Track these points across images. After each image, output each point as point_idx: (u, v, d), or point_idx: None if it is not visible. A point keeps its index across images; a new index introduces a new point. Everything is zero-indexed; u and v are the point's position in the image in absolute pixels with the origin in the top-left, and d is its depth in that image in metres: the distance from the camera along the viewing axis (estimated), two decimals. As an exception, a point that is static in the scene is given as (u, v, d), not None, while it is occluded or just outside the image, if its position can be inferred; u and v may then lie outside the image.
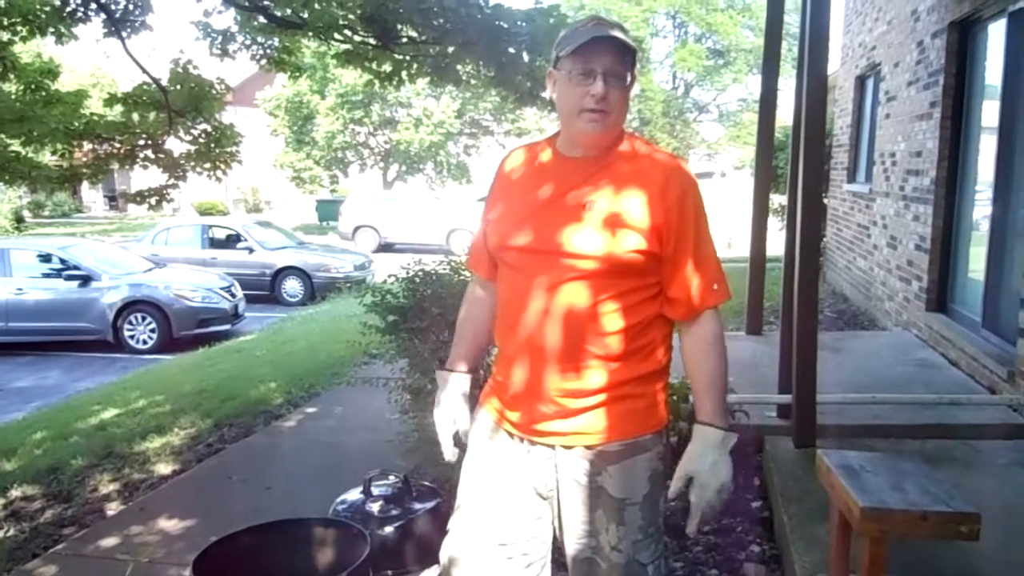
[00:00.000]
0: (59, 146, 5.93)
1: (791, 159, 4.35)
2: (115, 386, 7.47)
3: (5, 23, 5.36)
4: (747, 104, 35.01)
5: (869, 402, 4.08)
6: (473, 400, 1.98)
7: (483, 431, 1.87)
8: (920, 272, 5.82)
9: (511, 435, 1.81)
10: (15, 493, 4.42)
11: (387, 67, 6.04)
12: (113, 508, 4.10)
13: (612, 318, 1.69)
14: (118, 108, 6.28)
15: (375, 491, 2.98)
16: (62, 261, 10.42)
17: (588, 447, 1.73)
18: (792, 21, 17.55)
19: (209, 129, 6.41)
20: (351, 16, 5.58)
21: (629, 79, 1.70)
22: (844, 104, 9.45)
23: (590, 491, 1.74)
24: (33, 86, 5.97)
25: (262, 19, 5.80)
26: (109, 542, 3.59)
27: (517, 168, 1.87)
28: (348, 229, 21.08)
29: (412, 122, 27.01)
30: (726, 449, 1.71)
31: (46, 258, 10.58)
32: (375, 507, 2.89)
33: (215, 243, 14.15)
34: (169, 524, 3.74)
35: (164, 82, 5.95)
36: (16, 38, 5.65)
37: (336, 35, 5.72)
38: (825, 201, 9.79)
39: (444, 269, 3.73)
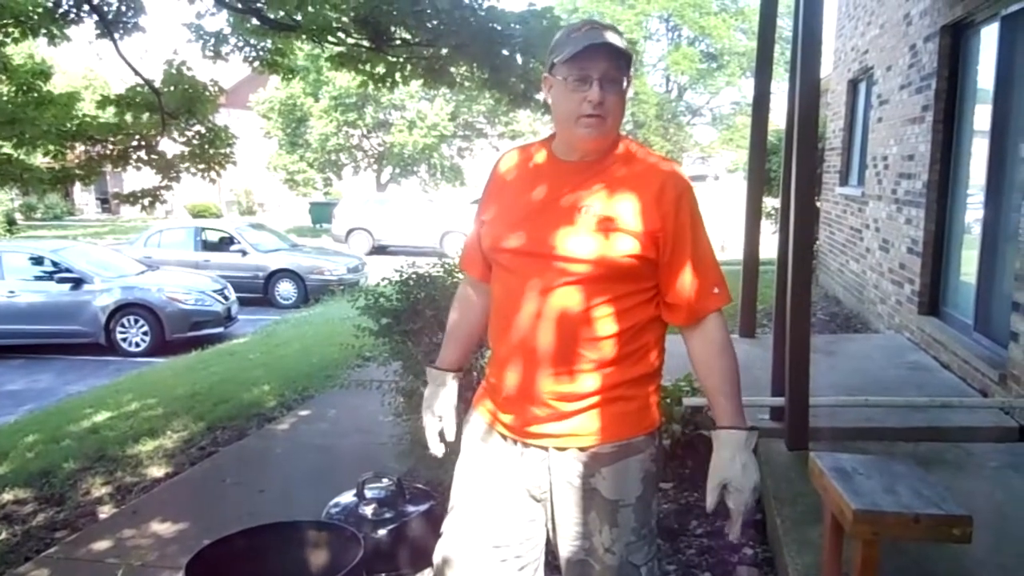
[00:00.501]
0: (51, 148, 5.90)
1: (784, 162, 4.36)
2: (107, 389, 7.44)
3: (-3, 25, 5.34)
4: (740, 107, 35.16)
5: (862, 405, 4.09)
6: (466, 402, 1.98)
7: (476, 433, 1.87)
8: (912, 275, 5.85)
9: (504, 437, 1.81)
10: (7, 497, 4.40)
11: (381, 69, 6.03)
12: (105, 511, 4.08)
13: (606, 322, 1.70)
14: (111, 110, 6.26)
15: (368, 494, 2.97)
16: (54, 264, 10.38)
17: (581, 449, 1.73)
18: (785, 25, 17.60)
19: (203, 131, 6.39)
20: (344, 18, 5.57)
21: (625, 83, 1.70)
22: (837, 107, 9.48)
23: (583, 493, 1.74)
24: (25, 88, 5.94)
25: (255, 21, 5.78)
26: (101, 545, 3.58)
27: (512, 170, 1.87)
28: (341, 231, 21.07)
29: (406, 124, 27.02)
30: (749, 449, 1.70)
31: (38, 261, 10.53)
32: (368, 510, 2.89)
33: (208, 245, 14.12)
34: (162, 527, 3.72)
35: (157, 84, 5.93)
36: (8, 39, 5.63)
37: (329, 37, 5.71)
38: (818, 204, 9.82)
39: (437, 271, 3.73)
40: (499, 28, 5.23)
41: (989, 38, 4.92)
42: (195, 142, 6.37)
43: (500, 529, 1.80)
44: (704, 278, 1.73)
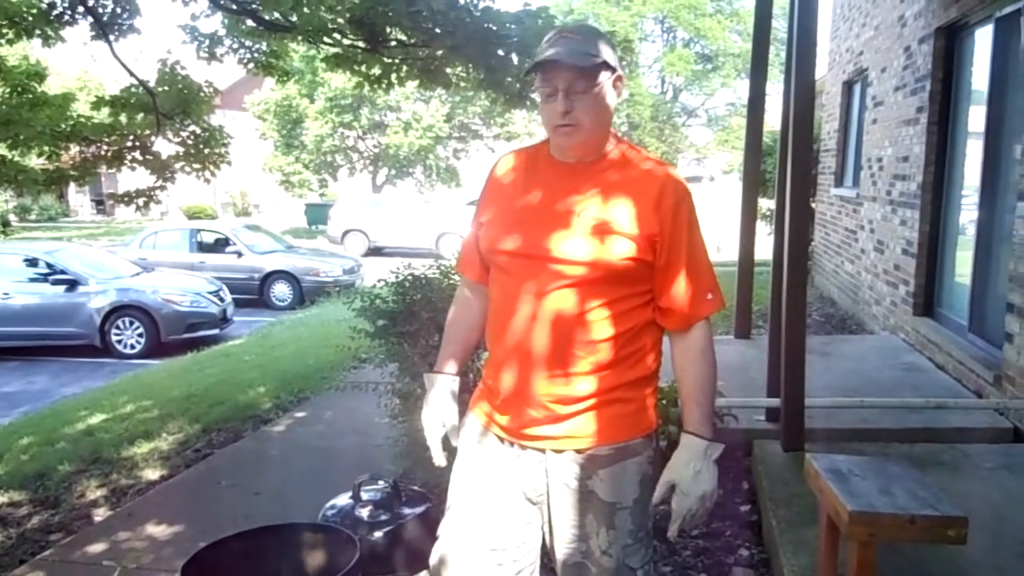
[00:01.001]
0: (46, 149, 5.88)
1: (779, 163, 4.37)
2: (103, 391, 7.41)
3: (-8, 26, 5.33)
4: (735, 108, 35.22)
5: (857, 406, 4.10)
6: (463, 404, 1.97)
7: (473, 435, 1.87)
8: (907, 276, 5.86)
9: (501, 439, 1.81)
10: (1, 499, 4.38)
11: (376, 70, 6.03)
12: (101, 514, 4.07)
13: (602, 325, 1.70)
14: (105, 110, 6.25)
15: (365, 496, 2.97)
16: (49, 265, 10.34)
17: (578, 451, 1.73)
18: (780, 26, 17.67)
19: (198, 131, 6.38)
20: (340, 19, 5.56)
21: (598, 88, 1.68)
22: (831, 109, 9.51)
23: (580, 495, 1.74)
24: (19, 89, 5.92)
25: (250, 22, 5.77)
26: (97, 548, 3.57)
27: (509, 172, 1.87)
28: (337, 233, 21.03)
29: (401, 126, 27.00)
30: (710, 458, 1.71)
31: (32, 262, 10.49)
32: (365, 512, 2.89)
33: (203, 247, 14.09)
34: (157, 530, 3.71)
35: (152, 84, 5.92)
36: (2, 41, 5.61)
37: (325, 38, 5.69)
38: (813, 205, 9.85)
39: (434, 273, 3.73)
40: (495, 28, 5.23)
41: (983, 40, 4.94)
42: (190, 142, 6.36)
43: (497, 532, 1.80)
44: (698, 284, 1.73)
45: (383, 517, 2.87)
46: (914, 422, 3.98)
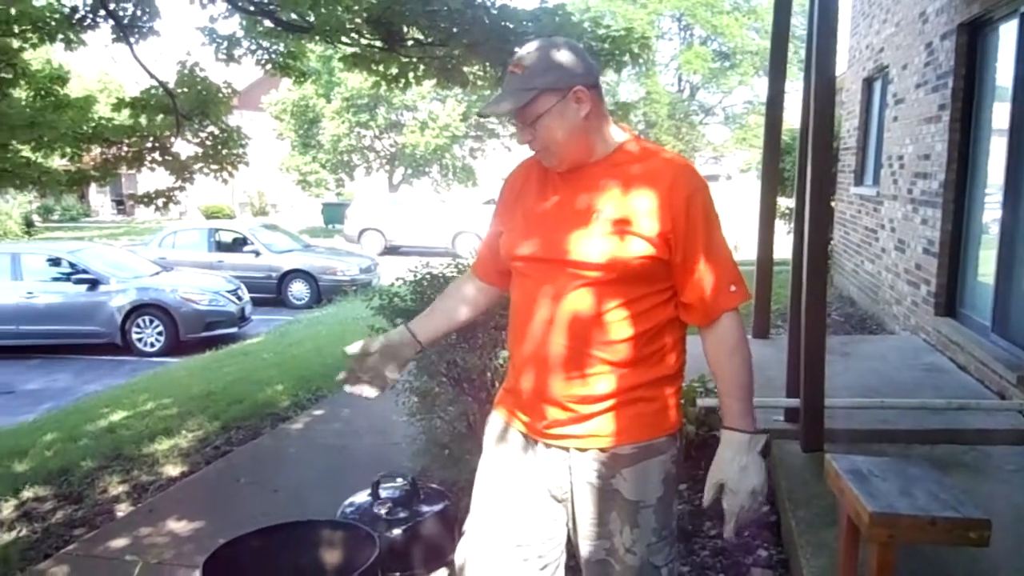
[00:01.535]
0: (68, 150, 5.96)
1: (799, 161, 4.34)
2: (123, 389, 7.50)
3: (16, 31, 5.39)
4: (753, 106, 34.99)
5: (877, 406, 4.06)
6: (479, 402, 1.98)
7: (497, 434, 1.88)
8: (928, 276, 5.80)
9: (525, 438, 1.82)
10: (27, 494, 4.45)
11: (393, 70, 6.05)
12: (122, 509, 4.12)
13: (620, 325, 1.70)
14: (126, 112, 6.31)
15: (383, 493, 2.98)
16: (71, 265, 10.48)
17: (602, 450, 1.74)
18: (798, 23, 17.52)
19: (216, 132, 6.44)
20: (357, 19, 5.58)
21: (548, 113, 1.68)
22: (851, 107, 9.43)
23: (604, 493, 1.74)
24: (43, 92, 6.00)
25: (268, 23, 5.81)
26: (119, 543, 3.61)
27: (524, 178, 1.89)
28: (354, 232, 21.13)
29: (418, 125, 27.07)
30: (755, 451, 1.69)
31: (55, 262, 10.63)
32: (383, 509, 2.90)
33: (221, 246, 14.21)
34: (178, 525, 3.75)
35: (171, 86, 5.98)
36: (26, 45, 5.68)
37: (343, 38, 5.72)
38: (832, 204, 9.77)
39: (451, 272, 3.74)
40: (511, 26, 5.22)
41: (1008, 35, 4.88)
42: (208, 143, 6.42)
43: (522, 529, 1.81)
44: (719, 276, 1.71)
45: (401, 514, 2.88)
46: (935, 423, 3.94)
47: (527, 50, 1.76)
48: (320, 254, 14.85)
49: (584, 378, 1.71)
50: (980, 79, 5.33)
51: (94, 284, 10.29)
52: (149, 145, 6.25)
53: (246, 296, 11.31)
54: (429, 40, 5.67)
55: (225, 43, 5.93)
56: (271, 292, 13.46)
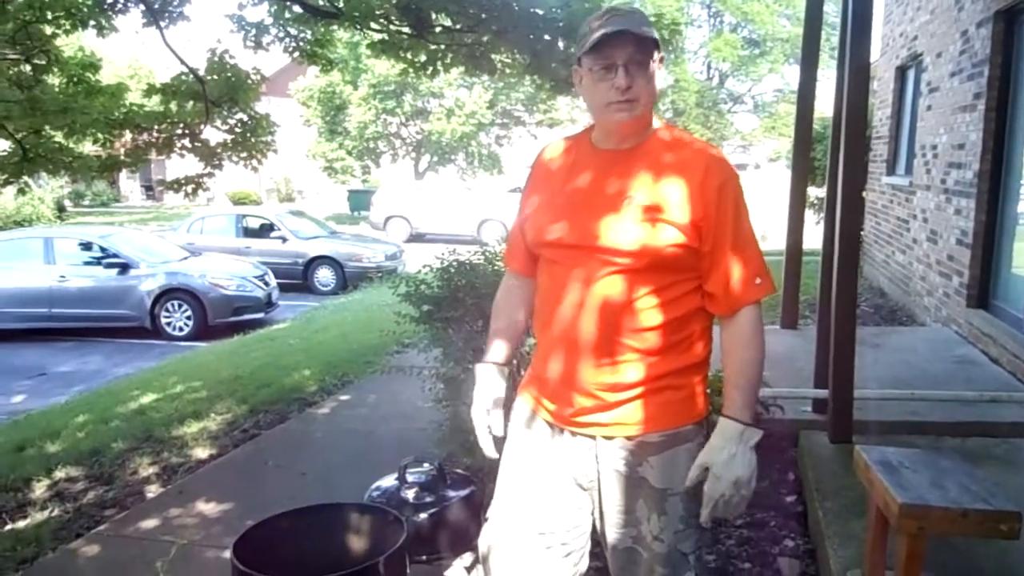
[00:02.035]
0: (100, 136, 6.03)
1: (831, 150, 4.29)
2: (153, 372, 7.61)
3: (49, 17, 5.45)
4: (783, 95, 34.53)
5: (907, 398, 4.02)
6: (511, 394, 1.98)
7: (522, 421, 1.88)
8: (961, 267, 5.71)
9: (551, 426, 1.82)
10: (59, 475, 4.53)
11: (422, 57, 6.05)
12: (152, 491, 4.18)
13: (650, 313, 1.69)
14: (156, 98, 6.37)
15: (410, 478, 3.00)
16: (102, 249, 10.62)
17: (628, 438, 1.73)
18: (831, 10, 17.27)
19: (245, 119, 6.47)
20: (386, 5, 5.58)
21: (653, 65, 1.69)
22: (884, 95, 9.29)
23: (632, 481, 1.74)
24: (75, 79, 6.07)
25: (297, 9, 5.83)
26: (149, 524, 3.67)
27: (554, 162, 1.87)
28: (379, 219, 21.19)
29: (444, 112, 27.03)
30: (747, 444, 1.68)
31: (87, 246, 10.79)
32: (410, 494, 2.92)
33: (249, 232, 14.32)
34: (207, 507, 3.81)
35: (201, 72, 6.02)
36: (59, 31, 5.75)
37: (372, 24, 5.73)
38: (864, 194, 9.64)
39: (478, 259, 3.74)
40: (541, 13, 5.21)
41: (1046, 23, 4.78)
42: (237, 130, 6.46)
43: (546, 516, 1.82)
44: (746, 268, 1.71)
45: (428, 499, 2.90)
46: (966, 415, 3.89)
47: (621, 6, 1.74)
48: (346, 241, 14.92)
49: (613, 365, 1.71)
50: (1016, 67, 5.23)
51: (124, 268, 10.43)
52: (179, 131, 6.30)
53: (273, 282, 11.40)
54: (458, 27, 5.66)
55: (254, 30, 5.96)
56: (297, 278, 13.55)
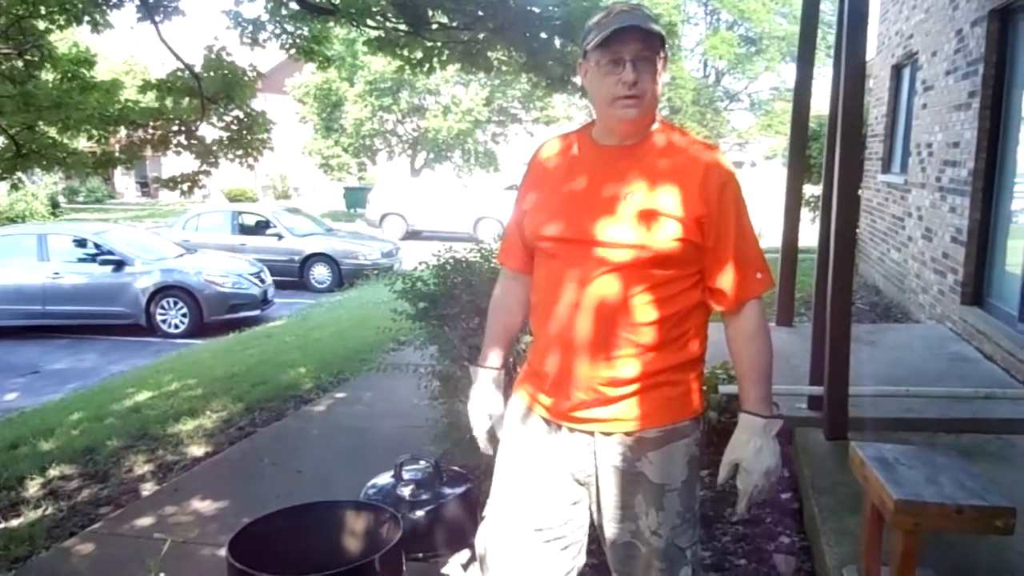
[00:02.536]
0: (95, 132, 6.01)
1: (827, 148, 4.29)
2: (148, 369, 7.59)
3: (43, 12, 5.43)
4: (779, 93, 34.53)
5: (902, 395, 4.02)
6: (507, 391, 1.99)
7: (518, 417, 1.88)
8: (956, 265, 5.73)
9: (548, 421, 1.82)
10: (53, 472, 4.52)
11: (418, 54, 6.04)
12: (148, 488, 4.17)
13: (647, 309, 1.69)
14: (151, 95, 6.35)
15: (406, 475, 3.00)
16: (97, 246, 10.58)
17: (627, 433, 1.74)
18: (827, 9, 17.25)
19: (241, 116, 6.46)
20: (383, 2, 5.58)
21: (659, 63, 1.69)
22: (879, 93, 9.30)
23: (629, 477, 1.75)
24: (69, 75, 6.05)
25: (293, 6, 5.81)
26: (144, 521, 3.67)
27: (552, 158, 1.87)
28: (376, 216, 21.16)
29: (440, 110, 27.00)
30: (769, 435, 1.73)
31: (81, 243, 10.75)
32: (406, 491, 2.91)
33: (245, 229, 14.29)
34: (203, 505, 3.80)
35: (197, 69, 6.00)
36: (53, 27, 5.72)
37: (368, 21, 5.72)
38: (859, 192, 9.65)
39: (474, 257, 3.74)
40: (537, 11, 5.21)
41: (1041, 21, 4.79)
42: (233, 127, 6.44)
43: (543, 511, 1.82)
44: (747, 264, 1.73)
45: (424, 496, 2.90)
46: (961, 412, 3.90)
47: (629, 3, 1.73)
48: (342, 238, 14.89)
49: (610, 361, 1.71)
50: (1011, 66, 5.24)
51: (119, 265, 10.39)
52: (175, 128, 6.29)
53: (269, 279, 11.38)
54: (454, 24, 5.66)
55: (250, 26, 5.95)
56: (293, 275, 13.53)
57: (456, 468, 3.21)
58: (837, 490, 3.10)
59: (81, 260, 10.56)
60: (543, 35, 5.25)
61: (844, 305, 3.62)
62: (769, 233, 9.64)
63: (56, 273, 10.30)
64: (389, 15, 5.75)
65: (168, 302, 10.28)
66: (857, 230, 9.32)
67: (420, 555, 2.83)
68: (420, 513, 2.84)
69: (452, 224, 19.70)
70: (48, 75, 6.08)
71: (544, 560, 1.83)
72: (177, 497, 3.92)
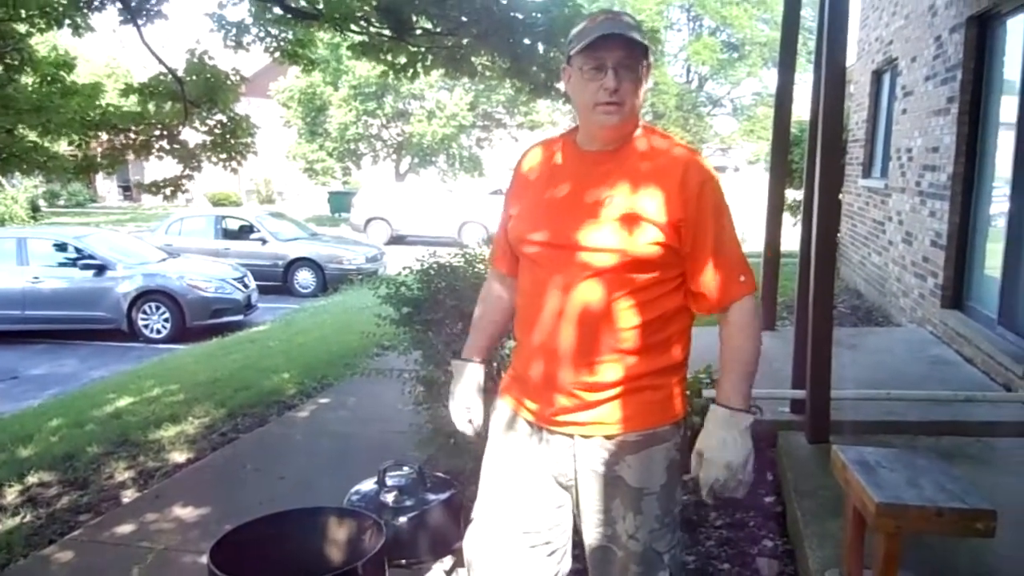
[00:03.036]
0: (75, 137, 5.96)
1: (808, 153, 4.32)
2: (130, 375, 7.52)
3: (23, 15, 5.38)
4: (761, 98, 34.84)
5: (883, 398, 4.06)
6: (490, 393, 1.99)
7: (502, 422, 1.89)
8: (936, 268, 5.79)
9: (530, 425, 1.83)
10: (32, 479, 4.46)
11: (402, 59, 6.03)
12: (128, 495, 4.13)
13: (629, 313, 1.70)
14: (134, 98, 6.31)
15: (390, 481, 2.98)
16: (77, 250, 10.48)
17: (607, 437, 1.74)
18: (808, 15, 17.43)
19: (224, 120, 6.42)
20: (367, 7, 5.57)
21: (641, 70, 1.70)
22: (860, 99, 9.39)
23: (608, 480, 1.75)
24: (49, 78, 5.99)
25: (277, 10, 5.79)
26: (125, 529, 3.63)
27: (535, 164, 1.88)
28: (360, 221, 21.11)
29: (425, 114, 26.99)
30: (737, 428, 1.71)
31: (62, 247, 10.64)
32: (390, 497, 2.90)
33: (228, 234, 14.21)
34: (184, 512, 3.77)
35: (180, 72, 5.97)
36: (33, 30, 5.66)
37: (352, 26, 5.70)
38: (840, 197, 9.73)
39: (458, 261, 3.74)
40: (521, 17, 5.22)
41: (1016, 29, 4.86)
42: (216, 132, 6.40)
43: (529, 515, 1.83)
44: (729, 267, 1.73)
45: (408, 503, 2.89)
46: (941, 415, 3.94)
47: (614, 11, 1.76)
48: (326, 243, 14.84)
49: (593, 365, 1.72)
50: (988, 72, 5.31)
51: (100, 270, 10.30)
52: (157, 133, 6.24)
53: (252, 284, 11.32)
54: (438, 30, 5.66)
55: (234, 30, 5.92)
56: (277, 280, 13.46)
57: (440, 474, 3.20)
58: (820, 493, 3.11)
59: (62, 264, 10.46)
60: (526, 41, 5.27)
61: (826, 309, 3.65)
62: (752, 237, 9.70)
63: (36, 278, 10.19)
64: (373, 20, 5.74)
65: (150, 307, 10.21)
66: (838, 234, 9.40)
67: (403, 562, 2.81)
68: (403, 519, 2.82)
69: (437, 229, 19.68)
70: (28, 78, 6.01)
71: (530, 563, 1.83)
72: (158, 504, 3.88)
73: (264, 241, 13.83)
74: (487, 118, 28.92)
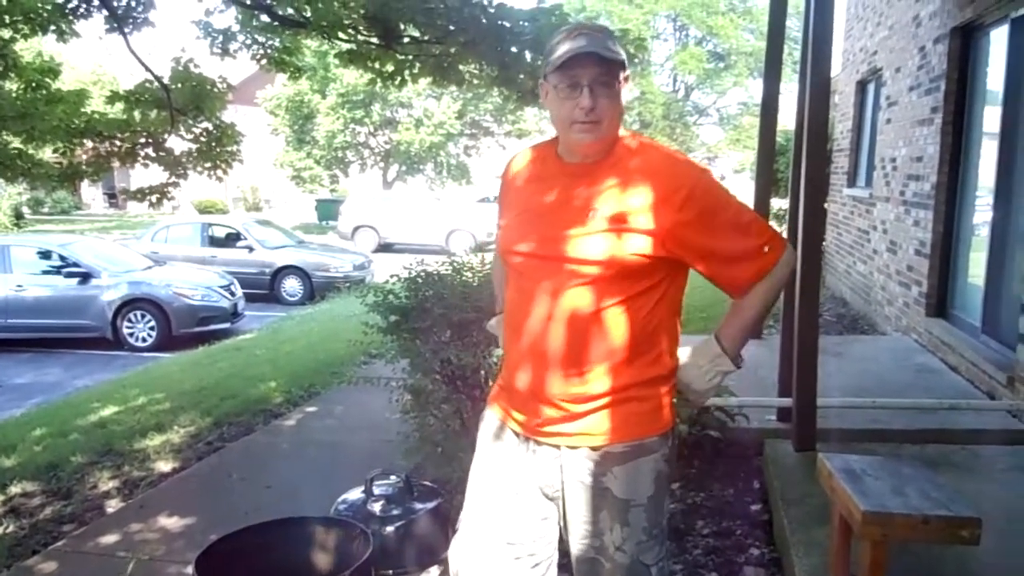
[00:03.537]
0: (60, 144, 5.92)
1: (793, 162, 4.35)
2: (115, 384, 7.46)
3: (7, 21, 5.35)
4: (747, 108, 35.04)
5: (869, 406, 4.08)
6: (473, 400, 1.99)
7: (490, 432, 1.88)
8: (920, 277, 5.83)
9: (517, 435, 1.82)
10: (15, 490, 4.42)
11: (390, 67, 6.03)
12: (113, 505, 4.10)
13: (617, 324, 1.69)
14: (119, 106, 6.28)
15: (377, 491, 2.98)
16: (62, 258, 10.40)
17: (593, 448, 1.73)
18: (793, 25, 17.58)
19: (210, 128, 6.40)
20: (354, 15, 5.56)
21: (618, 85, 1.69)
22: (845, 108, 9.47)
23: (595, 492, 1.74)
24: (34, 85, 5.96)
25: (264, 18, 5.79)
26: (109, 539, 3.59)
27: (521, 173, 1.88)
28: (347, 229, 21.07)
29: (413, 122, 27.00)
30: (717, 367, 1.79)
31: (46, 255, 10.55)
32: (376, 507, 2.90)
33: (215, 241, 14.14)
34: (169, 522, 3.74)
35: (166, 80, 5.94)
36: (18, 36, 5.64)
37: (339, 34, 5.70)
38: (825, 206, 9.80)
39: (446, 270, 3.74)
40: (508, 26, 5.22)
41: (999, 40, 4.91)
42: (202, 139, 6.38)
43: (514, 527, 1.81)
44: (746, 250, 1.72)
45: (395, 512, 2.88)
46: (926, 423, 3.97)
47: (589, 22, 1.76)
48: (314, 250, 14.80)
49: (581, 376, 1.71)
50: (972, 83, 5.37)
51: (85, 278, 10.22)
52: (143, 140, 6.21)
53: (239, 292, 11.26)
54: (426, 38, 5.66)
55: (220, 37, 5.90)
56: (264, 288, 13.41)
57: (427, 483, 3.20)
58: (806, 501, 3.12)
59: (46, 272, 10.36)
60: (514, 49, 5.27)
61: (812, 317, 3.67)
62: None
63: (19, 286, 10.10)
64: (361, 28, 5.74)
65: (136, 315, 10.13)
66: (824, 243, 9.46)
67: (390, 572, 2.81)
68: (390, 529, 2.82)
69: (424, 237, 19.67)
70: (12, 85, 5.98)
71: (515, 575, 1.82)
72: (143, 514, 3.85)
73: (251, 249, 13.77)
74: (475, 126, 28.95)
